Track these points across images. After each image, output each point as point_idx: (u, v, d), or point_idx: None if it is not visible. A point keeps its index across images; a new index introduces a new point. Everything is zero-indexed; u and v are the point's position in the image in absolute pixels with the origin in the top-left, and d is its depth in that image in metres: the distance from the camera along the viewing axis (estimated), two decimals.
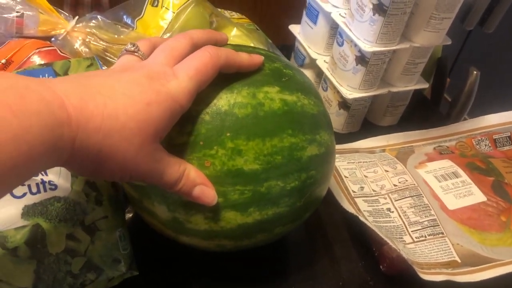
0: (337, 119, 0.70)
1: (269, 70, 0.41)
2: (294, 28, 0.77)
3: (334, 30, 0.69)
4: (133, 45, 0.37)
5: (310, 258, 0.53)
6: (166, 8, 0.60)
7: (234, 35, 0.62)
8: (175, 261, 0.50)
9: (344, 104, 0.68)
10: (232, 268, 0.50)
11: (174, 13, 0.59)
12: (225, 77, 0.39)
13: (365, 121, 0.74)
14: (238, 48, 0.43)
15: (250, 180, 0.38)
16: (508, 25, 0.93)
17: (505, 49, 1.43)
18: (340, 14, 0.66)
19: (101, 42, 0.54)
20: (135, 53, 0.37)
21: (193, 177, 0.36)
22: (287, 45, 0.81)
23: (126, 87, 0.31)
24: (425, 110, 0.81)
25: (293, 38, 0.78)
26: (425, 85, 0.71)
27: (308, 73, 0.76)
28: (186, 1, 0.60)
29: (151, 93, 0.31)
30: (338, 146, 0.66)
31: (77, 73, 0.36)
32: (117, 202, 0.46)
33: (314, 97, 0.44)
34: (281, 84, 0.41)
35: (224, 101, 0.38)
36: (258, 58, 0.40)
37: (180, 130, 0.37)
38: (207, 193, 0.37)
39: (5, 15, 0.51)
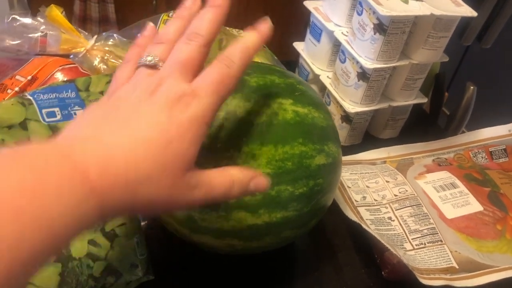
0: (340, 132, 0.73)
1: (284, 85, 0.45)
2: (298, 45, 0.81)
3: (337, 48, 0.72)
4: (153, 57, 0.34)
5: (315, 265, 0.56)
6: None
7: None
8: (189, 266, 0.53)
9: (347, 117, 0.71)
10: (241, 274, 0.53)
11: None
12: (243, 86, 0.42)
13: (367, 134, 0.78)
14: (256, 64, 0.47)
15: None
16: (506, 41, 0.96)
17: (502, 63, 1.46)
18: (342, 32, 0.69)
19: (119, 60, 0.57)
20: (156, 67, 0.34)
21: (241, 177, 0.36)
22: (290, 61, 0.85)
23: (144, 130, 0.30)
24: (424, 124, 0.84)
25: (295, 54, 0.81)
26: (424, 100, 0.74)
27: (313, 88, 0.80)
28: None
29: (172, 129, 0.31)
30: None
31: (96, 107, 0.34)
32: None
33: (324, 112, 0.47)
34: (294, 97, 0.44)
35: (242, 109, 0.42)
36: (264, 29, 0.37)
37: None
38: (260, 183, 0.37)
39: (30, 35, 0.55)
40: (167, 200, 0.31)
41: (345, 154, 0.71)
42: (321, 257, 0.57)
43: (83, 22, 1.60)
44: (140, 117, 0.31)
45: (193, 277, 0.52)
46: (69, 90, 0.49)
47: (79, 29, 0.57)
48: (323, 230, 0.60)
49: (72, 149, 0.28)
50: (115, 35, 0.61)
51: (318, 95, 0.49)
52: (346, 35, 0.68)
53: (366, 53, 0.64)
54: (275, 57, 0.74)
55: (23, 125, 0.44)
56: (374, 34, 0.61)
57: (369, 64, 0.64)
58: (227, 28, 0.71)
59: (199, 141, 0.32)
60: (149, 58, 0.34)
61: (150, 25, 0.40)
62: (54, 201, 0.25)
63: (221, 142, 0.40)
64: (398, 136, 0.80)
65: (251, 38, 0.36)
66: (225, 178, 0.35)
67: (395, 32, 0.61)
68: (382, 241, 0.52)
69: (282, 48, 0.83)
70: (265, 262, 0.53)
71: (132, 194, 0.29)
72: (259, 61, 0.65)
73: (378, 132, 0.78)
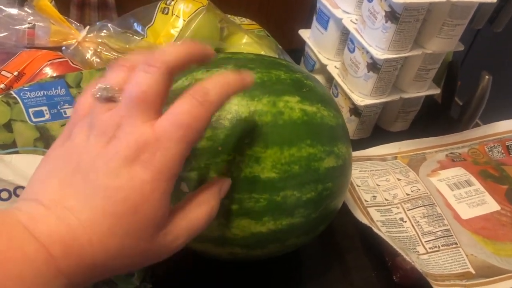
0: (348, 126, 0.70)
1: (290, 80, 0.42)
2: (304, 33, 0.77)
3: (345, 36, 0.68)
4: (107, 87, 0.29)
5: (323, 267, 0.53)
6: (176, 16, 0.59)
7: (245, 42, 0.62)
8: (188, 272, 0.50)
9: (355, 110, 0.68)
10: (245, 278, 0.50)
11: (184, 21, 0.59)
12: None
13: (376, 127, 0.74)
14: (260, 57, 0.43)
15: (266, 188, 0.38)
16: None
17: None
18: (351, 20, 0.65)
19: (112, 52, 0.54)
20: (114, 99, 0.30)
21: (217, 199, 0.33)
22: (295, 49, 0.81)
23: (106, 200, 0.27)
24: (436, 114, 0.80)
25: (299, 42, 0.77)
26: (437, 91, 0.71)
27: (318, 79, 0.76)
28: (197, 9, 0.59)
29: (135, 194, 0.27)
30: None
31: (55, 157, 0.30)
32: None
33: (334, 109, 0.44)
34: (301, 94, 0.41)
35: (244, 108, 0.38)
36: (248, 77, 0.34)
37: None
38: (226, 187, 0.35)
39: (17, 27, 0.51)
40: (144, 261, 0.29)
41: (354, 149, 0.66)
42: (329, 259, 0.54)
43: (81, 7, 1.55)
44: (99, 180, 0.27)
45: (194, 284, 0.49)
46: (59, 87, 0.45)
47: (70, 19, 0.54)
48: (331, 230, 0.57)
49: (36, 226, 0.25)
50: (109, 25, 0.57)
51: (327, 91, 0.46)
52: (355, 23, 0.64)
53: (376, 42, 0.60)
54: (279, 46, 0.70)
55: (8, 127, 0.41)
56: (386, 22, 0.57)
57: (380, 54, 0.60)
58: (229, 15, 0.68)
59: (168, 196, 0.29)
60: (103, 87, 0.29)
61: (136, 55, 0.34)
62: (17, 286, 0.23)
63: (222, 145, 0.37)
64: (409, 128, 0.76)
65: (233, 76, 0.32)
66: (205, 210, 0.32)
67: (408, 20, 0.57)
68: (395, 246, 0.48)
69: (286, 36, 0.79)
70: (269, 264, 0.50)
71: (103, 267, 0.27)
72: (263, 51, 0.62)
73: (388, 125, 0.75)
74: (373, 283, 0.53)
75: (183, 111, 0.28)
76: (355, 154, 0.66)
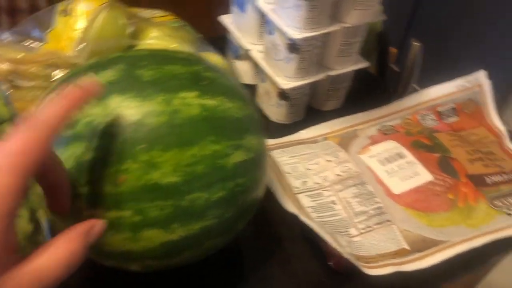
0: (279, 110, 0.68)
1: (188, 74, 0.39)
2: (225, 19, 0.74)
3: (265, 18, 0.65)
4: None
5: (260, 259, 0.51)
6: (77, 16, 0.56)
7: (155, 36, 0.59)
8: (111, 283, 0.47)
9: (283, 94, 0.65)
10: (178, 277, 0.48)
11: (86, 21, 0.55)
12: (135, 82, 0.36)
13: (309, 108, 0.72)
14: (153, 53, 0.41)
15: (169, 194, 0.35)
16: None
17: (454, 18, 1.41)
18: (265, 1, 0.62)
19: (7, 63, 0.50)
20: None
21: (78, 245, 0.29)
22: (222, 36, 0.78)
23: None
24: (371, 88, 0.78)
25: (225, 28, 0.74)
26: (365, 64, 0.69)
27: (246, 65, 0.73)
28: (97, 7, 0.56)
29: None
30: (278, 140, 0.63)
31: None
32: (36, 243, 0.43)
33: (240, 100, 0.41)
34: (200, 88, 0.38)
35: (135, 110, 0.35)
36: (89, 84, 0.31)
37: (87, 145, 0.34)
38: (98, 229, 0.32)
39: None
40: None
41: (288, 133, 0.65)
42: (266, 248, 0.53)
43: (11, 13, 1.48)
44: None
45: None
46: None
47: None
48: (267, 219, 0.55)
49: None
50: (7, 33, 0.53)
51: (233, 81, 0.43)
52: (272, 3, 0.62)
53: (291, 21, 0.58)
54: (199, 35, 0.67)
55: None
56: None
57: (296, 34, 0.58)
58: (138, 9, 0.64)
59: (3, 236, 0.24)
60: None
61: None
62: None
63: (114, 154, 0.34)
64: (344, 104, 0.74)
65: (68, 89, 0.30)
66: (61, 256, 0.27)
67: None
68: (320, 233, 0.47)
69: (210, 22, 0.76)
70: (208, 260, 0.48)
71: None
72: (176, 44, 0.59)
73: (321, 105, 0.72)
74: (314, 270, 0.51)
75: (10, 139, 0.26)
76: (284, 139, 0.64)
